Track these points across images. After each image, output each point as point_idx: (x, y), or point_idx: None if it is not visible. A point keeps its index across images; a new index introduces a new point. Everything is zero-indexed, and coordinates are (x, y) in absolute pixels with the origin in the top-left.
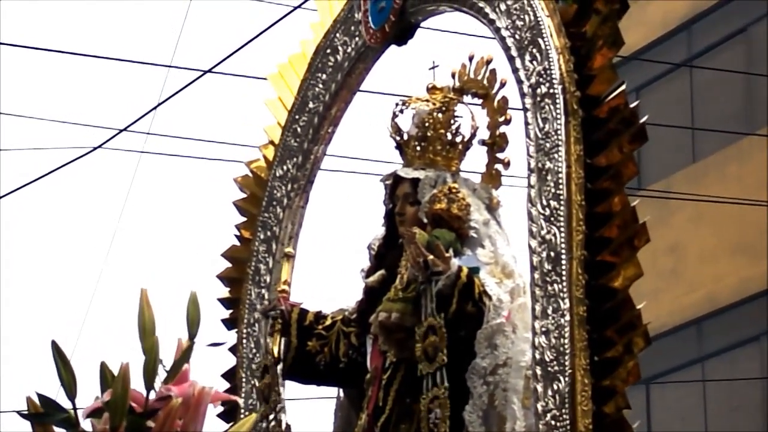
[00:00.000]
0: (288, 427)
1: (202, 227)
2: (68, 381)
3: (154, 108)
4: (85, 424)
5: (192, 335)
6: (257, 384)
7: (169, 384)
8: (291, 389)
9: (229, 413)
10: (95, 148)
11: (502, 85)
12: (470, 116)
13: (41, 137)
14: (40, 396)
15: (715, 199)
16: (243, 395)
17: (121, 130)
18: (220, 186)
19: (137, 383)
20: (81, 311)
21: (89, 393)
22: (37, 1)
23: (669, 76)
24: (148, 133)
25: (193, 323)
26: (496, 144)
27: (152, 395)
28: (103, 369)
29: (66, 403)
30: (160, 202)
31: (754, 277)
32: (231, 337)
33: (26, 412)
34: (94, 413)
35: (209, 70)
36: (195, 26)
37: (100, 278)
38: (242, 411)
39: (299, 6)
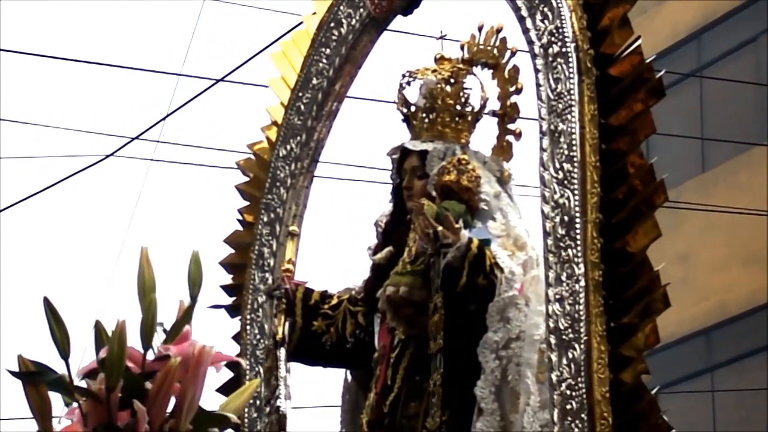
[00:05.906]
0: (284, 415)
1: (211, 235)
2: (61, 339)
3: (165, 117)
4: (80, 386)
5: (193, 296)
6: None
7: (169, 345)
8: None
9: (230, 388)
10: (107, 156)
11: (513, 53)
12: (480, 87)
13: (51, 145)
14: (31, 361)
15: (725, 208)
16: (246, 383)
17: (133, 139)
18: (230, 194)
19: (135, 344)
20: (90, 318)
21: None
22: (48, 9)
23: (678, 86)
24: (158, 141)
25: (194, 283)
26: (507, 114)
27: (151, 357)
28: (98, 328)
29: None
30: (169, 209)
31: (764, 286)
32: (234, 324)
33: (17, 371)
34: (89, 375)
35: (221, 79)
36: (205, 35)
37: (109, 285)
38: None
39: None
